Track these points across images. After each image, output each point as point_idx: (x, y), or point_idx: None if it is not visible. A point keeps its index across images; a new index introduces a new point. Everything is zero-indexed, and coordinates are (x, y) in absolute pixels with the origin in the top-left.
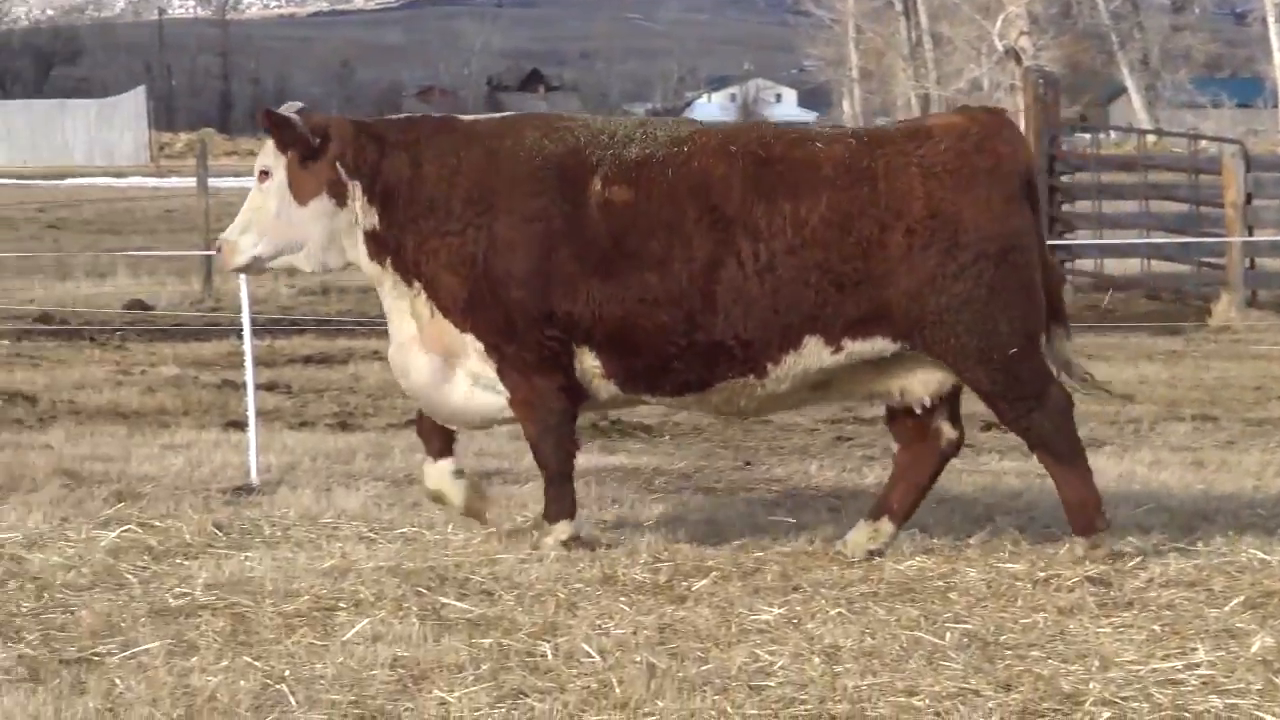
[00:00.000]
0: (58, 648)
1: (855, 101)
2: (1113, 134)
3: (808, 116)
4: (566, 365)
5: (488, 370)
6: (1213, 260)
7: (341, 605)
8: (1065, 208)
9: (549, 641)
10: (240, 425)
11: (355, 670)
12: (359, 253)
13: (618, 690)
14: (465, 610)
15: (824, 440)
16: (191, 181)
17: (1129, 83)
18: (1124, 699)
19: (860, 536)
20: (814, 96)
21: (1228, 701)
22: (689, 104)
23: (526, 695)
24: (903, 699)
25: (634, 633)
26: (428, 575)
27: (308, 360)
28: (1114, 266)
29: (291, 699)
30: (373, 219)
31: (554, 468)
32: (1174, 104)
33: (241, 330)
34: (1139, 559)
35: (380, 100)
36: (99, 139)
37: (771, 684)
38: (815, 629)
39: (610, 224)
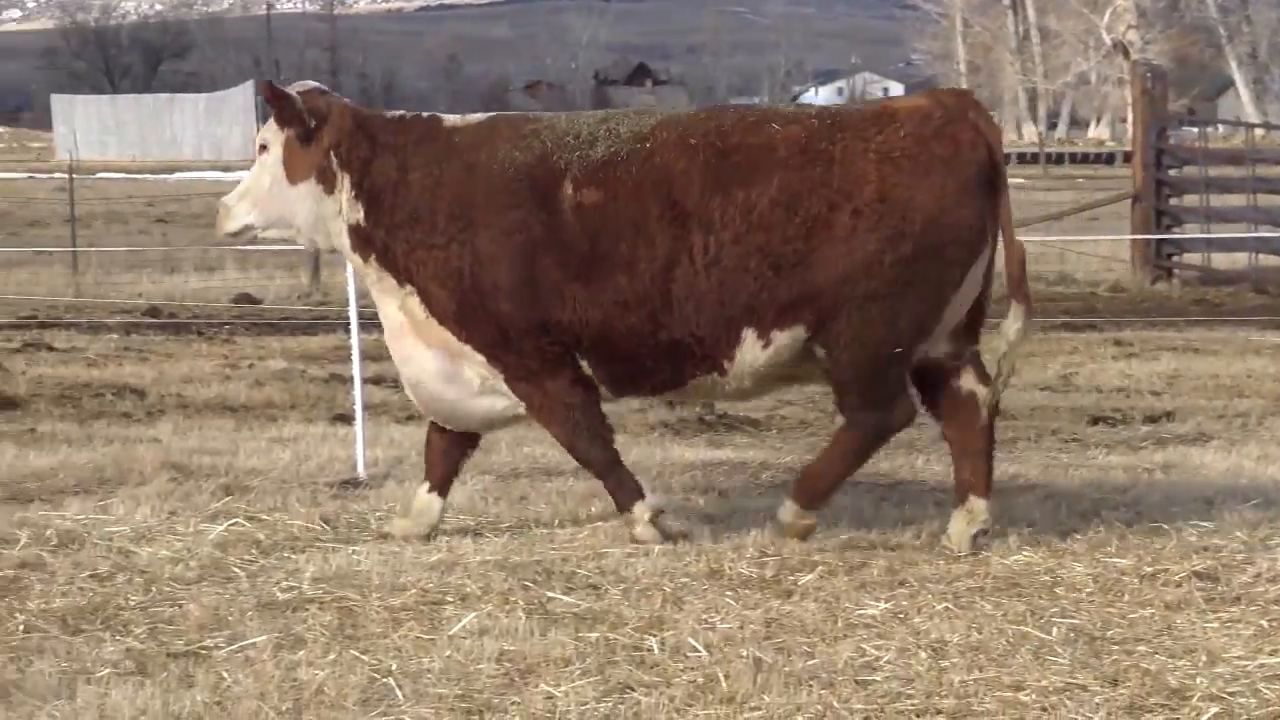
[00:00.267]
0: (165, 641)
1: None
2: (1220, 128)
3: None
4: (573, 361)
5: (496, 377)
6: None
7: (448, 599)
8: (1173, 202)
9: (655, 636)
10: (347, 419)
11: (462, 664)
12: (342, 242)
13: (724, 685)
14: (572, 604)
15: (930, 434)
16: None
17: (1237, 76)
18: (1231, 694)
19: (959, 525)
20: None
21: None
22: (796, 98)
23: (633, 689)
24: (1009, 694)
25: (740, 627)
26: (534, 569)
27: None
28: (1221, 261)
29: (398, 692)
30: (358, 214)
31: (598, 461)
32: None
33: (349, 324)
34: (1246, 554)
35: (487, 95)
36: (207, 133)
37: (878, 679)
38: (921, 624)
39: (584, 227)
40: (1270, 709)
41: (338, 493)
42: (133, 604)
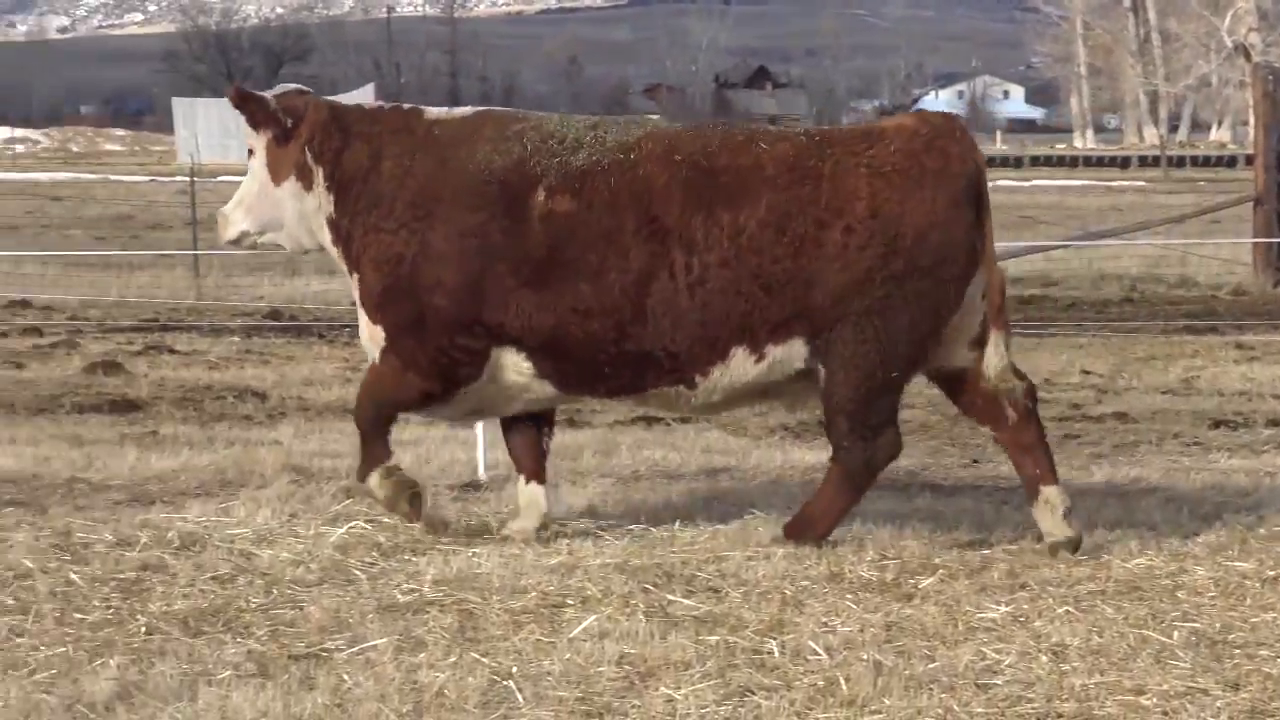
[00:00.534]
0: (286, 643)
1: (1083, 98)
2: None
3: (1035, 113)
4: (449, 378)
5: (373, 347)
6: None
7: (569, 602)
8: None
9: (776, 639)
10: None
11: (582, 667)
12: (324, 236)
13: (844, 688)
14: (692, 607)
15: (1051, 438)
16: None
17: None
18: None
19: (1046, 519)
20: (1041, 93)
21: None
22: (916, 100)
23: (753, 693)
24: (1130, 698)
25: (861, 630)
26: (654, 572)
27: None
28: None
29: (519, 695)
30: (331, 206)
31: (367, 431)
32: None
33: None
34: None
35: (607, 98)
36: None
37: (998, 682)
38: (1042, 627)
39: (550, 234)
40: None
41: (458, 495)
42: (254, 606)
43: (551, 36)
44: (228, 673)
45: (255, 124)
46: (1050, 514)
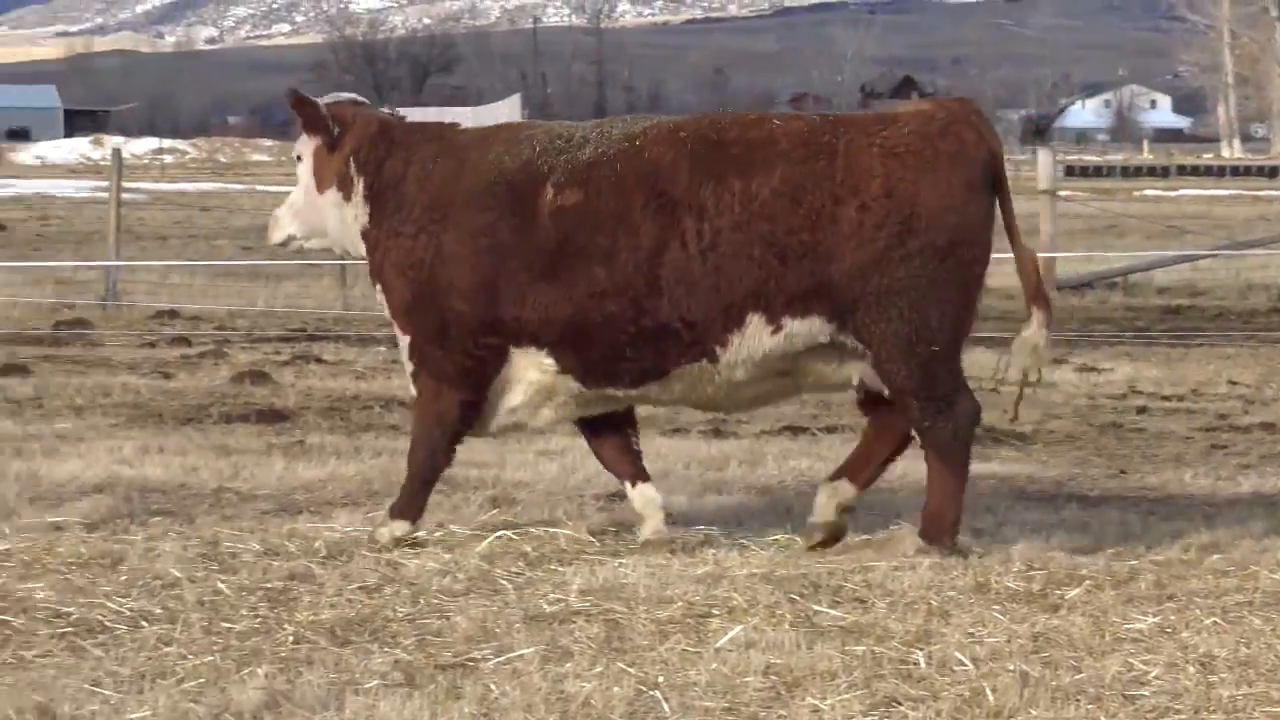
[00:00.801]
0: (433, 653)
1: (1230, 107)
2: None
3: (1181, 123)
4: (477, 385)
5: (407, 364)
6: None
7: (715, 612)
8: None
9: (922, 649)
10: None
11: (728, 677)
12: (358, 248)
13: (990, 699)
14: (838, 618)
15: (1198, 448)
16: None
17: None
18: None
19: (823, 498)
20: (1188, 102)
21: None
22: (1062, 110)
23: (899, 703)
24: (1278, 709)
25: (1007, 641)
26: (800, 582)
27: None
28: None
29: (665, 705)
30: (365, 216)
31: (417, 472)
32: None
33: None
34: None
35: (753, 108)
36: None
37: (1145, 694)
38: (1190, 638)
39: (560, 227)
40: None
41: (604, 505)
42: (400, 616)
43: (697, 46)
44: (375, 682)
45: (309, 128)
46: (826, 498)
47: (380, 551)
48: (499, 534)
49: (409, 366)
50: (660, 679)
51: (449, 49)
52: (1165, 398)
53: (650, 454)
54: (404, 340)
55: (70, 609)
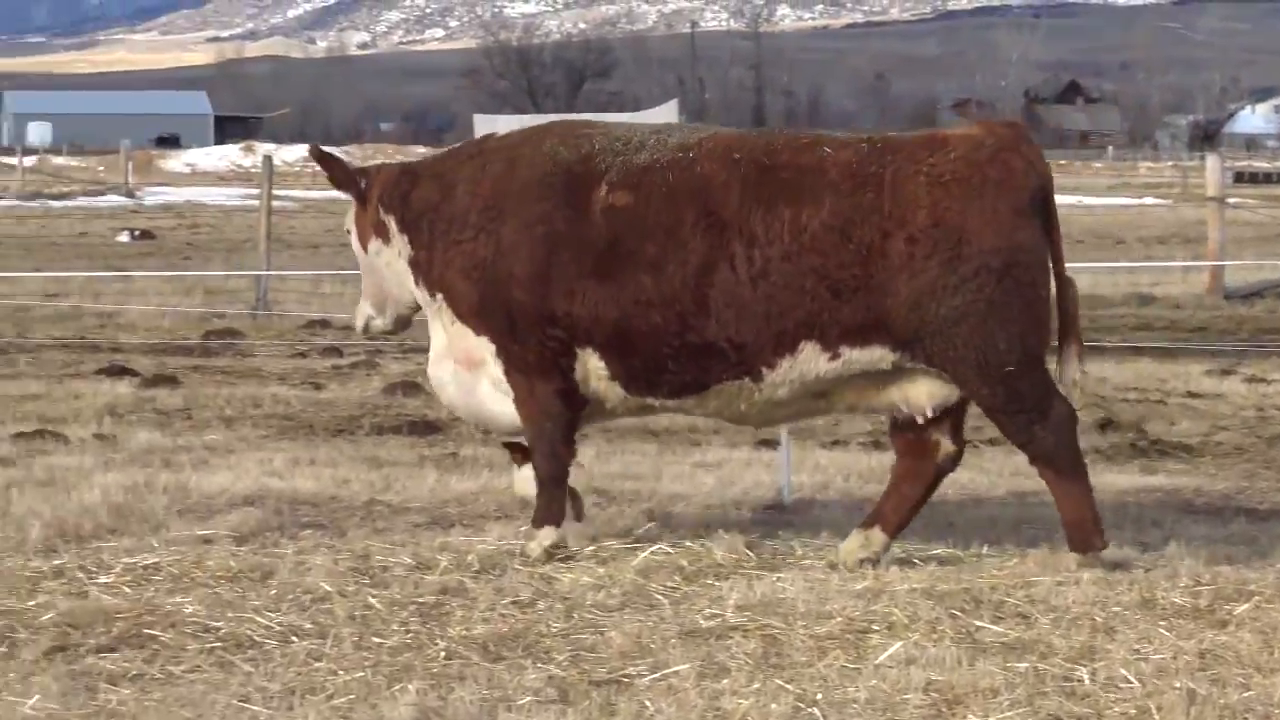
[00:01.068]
0: (587, 669)
1: None
2: None
3: None
4: (565, 370)
5: (498, 368)
6: None
7: (874, 627)
8: None
9: (1086, 666)
10: (772, 444)
11: (888, 694)
12: (408, 281)
13: (1156, 717)
14: (1000, 633)
15: None
16: None
17: None
18: None
19: (852, 544)
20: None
21: None
22: (1231, 115)
23: None
24: None
25: (1173, 658)
26: (962, 598)
27: None
28: None
29: None
30: (407, 247)
31: (544, 473)
32: None
33: None
34: None
35: (915, 113)
36: None
37: None
38: None
39: (611, 226)
40: None
41: (762, 518)
42: (554, 631)
43: (858, 51)
44: (528, 699)
45: (335, 182)
46: (857, 545)
47: (533, 566)
48: (654, 548)
49: (497, 372)
50: (818, 695)
51: (605, 54)
52: None
53: (810, 466)
54: (474, 343)
55: (219, 623)
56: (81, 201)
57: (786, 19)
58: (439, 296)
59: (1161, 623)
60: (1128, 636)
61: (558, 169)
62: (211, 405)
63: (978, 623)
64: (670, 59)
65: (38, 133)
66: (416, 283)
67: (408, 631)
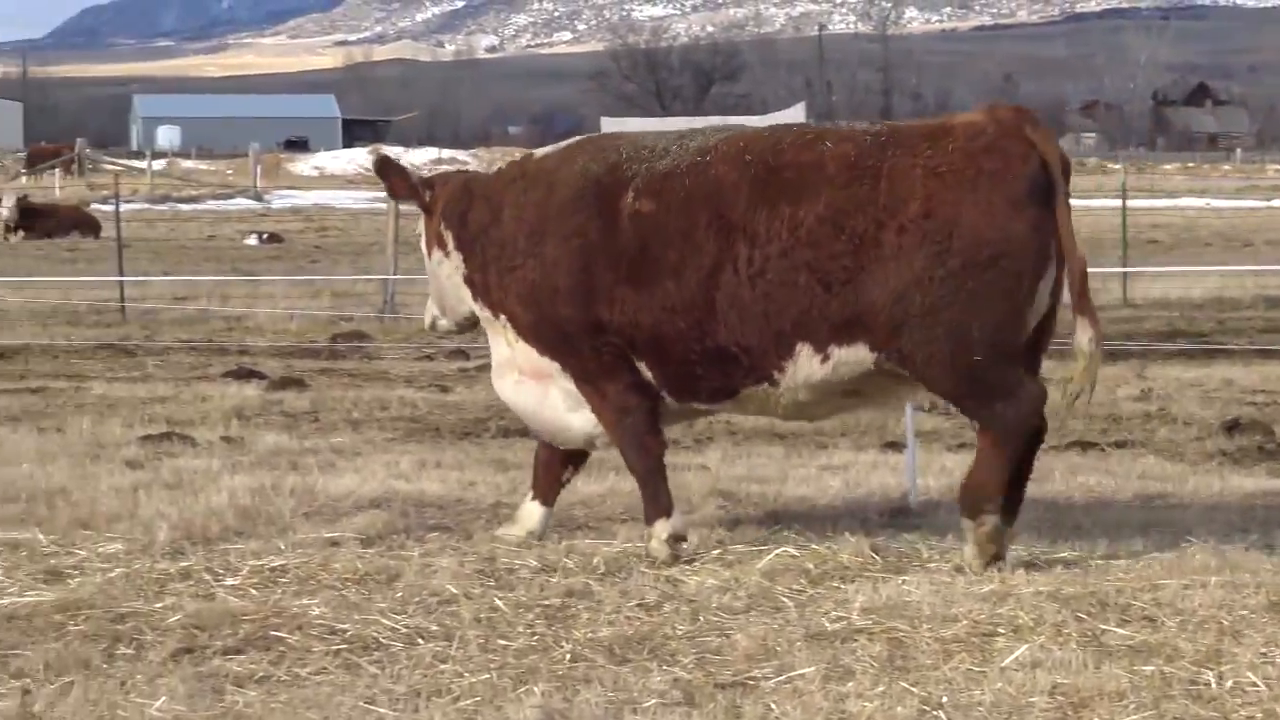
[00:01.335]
0: (713, 671)
1: None
2: None
3: None
4: (628, 365)
5: (570, 385)
6: None
7: (1000, 631)
8: None
9: (1213, 670)
10: (898, 446)
11: (1014, 697)
12: (465, 296)
13: None
14: (1126, 637)
15: None
16: None
17: None
18: None
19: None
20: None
21: None
22: None
23: None
24: None
25: None
26: (1088, 601)
27: None
28: None
29: None
30: (463, 265)
31: (639, 469)
32: None
33: None
34: None
35: (1043, 115)
36: None
37: None
38: None
39: (637, 233)
40: None
41: (888, 521)
42: (680, 633)
43: (986, 53)
44: (653, 701)
45: (394, 193)
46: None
47: (659, 568)
48: (780, 550)
49: (568, 383)
50: (944, 699)
51: (733, 57)
52: None
53: (935, 469)
54: (540, 359)
55: (345, 625)
56: (210, 205)
57: (914, 21)
58: (501, 317)
59: None
60: (1254, 640)
61: (589, 183)
62: (338, 408)
63: (1103, 626)
64: (798, 61)
65: (167, 136)
66: (475, 299)
67: (533, 634)
